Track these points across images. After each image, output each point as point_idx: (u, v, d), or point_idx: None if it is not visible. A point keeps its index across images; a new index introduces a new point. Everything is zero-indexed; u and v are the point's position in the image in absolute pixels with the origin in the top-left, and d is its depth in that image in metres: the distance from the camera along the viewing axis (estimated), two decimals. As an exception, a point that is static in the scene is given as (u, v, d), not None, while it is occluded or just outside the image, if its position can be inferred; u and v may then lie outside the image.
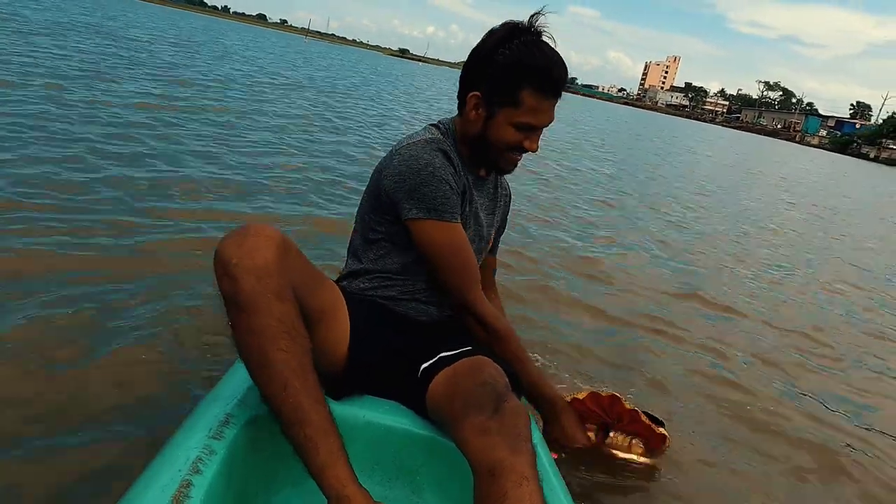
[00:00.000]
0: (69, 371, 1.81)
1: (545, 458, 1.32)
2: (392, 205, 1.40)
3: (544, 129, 1.48)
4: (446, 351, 1.36)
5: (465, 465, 1.11)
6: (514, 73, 1.37)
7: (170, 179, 3.95)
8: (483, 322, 1.49)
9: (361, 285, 1.48)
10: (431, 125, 1.52)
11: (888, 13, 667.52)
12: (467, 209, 1.51)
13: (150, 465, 1.04)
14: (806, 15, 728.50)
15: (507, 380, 1.29)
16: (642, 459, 1.69)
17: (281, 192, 4.29)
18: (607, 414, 1.68)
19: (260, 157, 5.25)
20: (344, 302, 1.35)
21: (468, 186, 1.49)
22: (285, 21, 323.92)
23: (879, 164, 56.49)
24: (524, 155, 1.50)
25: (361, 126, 8.87)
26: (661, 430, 1.67)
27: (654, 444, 1.69)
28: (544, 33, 1.41)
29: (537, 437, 1.41)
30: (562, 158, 9.94)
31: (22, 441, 1.51)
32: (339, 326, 1.33)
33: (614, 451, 1.67)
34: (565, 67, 1.40)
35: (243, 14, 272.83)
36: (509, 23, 1.41)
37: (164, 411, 1.68)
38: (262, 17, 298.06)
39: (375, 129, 8.92)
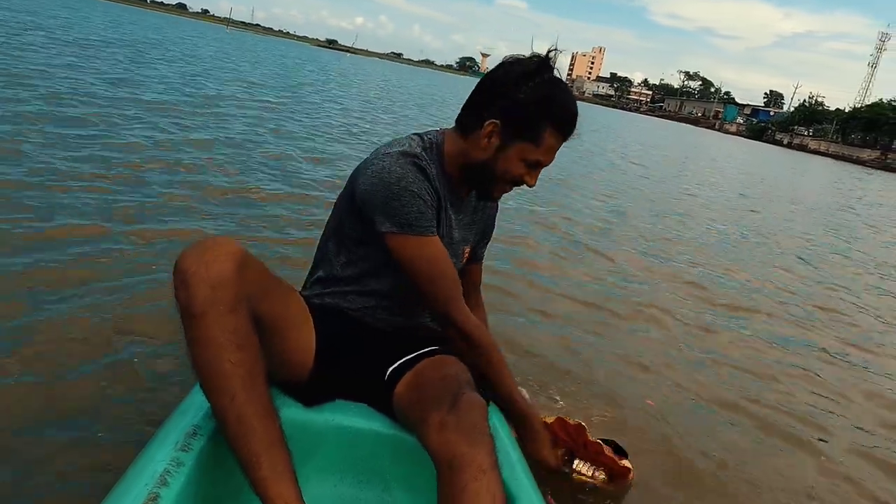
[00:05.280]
0: (31, 384, 1.75)
1: (509, 443, 1.36)
2: (366, 212, 1.38)
3: None
4: (411, 353, 1.39)
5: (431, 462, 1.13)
6: (541, 111, 1.36)
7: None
8: (463, 333, 1.44)
9: (328, 299, 1.47)
10: (415, 135, 1.48)
11: (793, 5, 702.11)
12: (442, 228, 1.48)
13: (119, 481, 1.03)
14: (721, 7, 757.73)
15: (469, 376, 1.32)
16: (605, 487, 1.70)
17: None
18: (573, 440, 1.69)
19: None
20: (308, 311, 1.36)
21: (444, 204, 1.47)
22: (207, 11, 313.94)
23: (792, 151, 59.51)
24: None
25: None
26: (625, 462, 1.69)
27: (618, 476, 1.70)
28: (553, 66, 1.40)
29: (505, 429, 1.43)
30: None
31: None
32: (304, 335, 1.33)
33: (577, 476, 1.67)
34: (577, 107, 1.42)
35: (161, 3, 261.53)
36: (534, 57, 1.39)
37: (133, 425, 1.65)
38: (181, 7, 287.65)
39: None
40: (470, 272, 1.74)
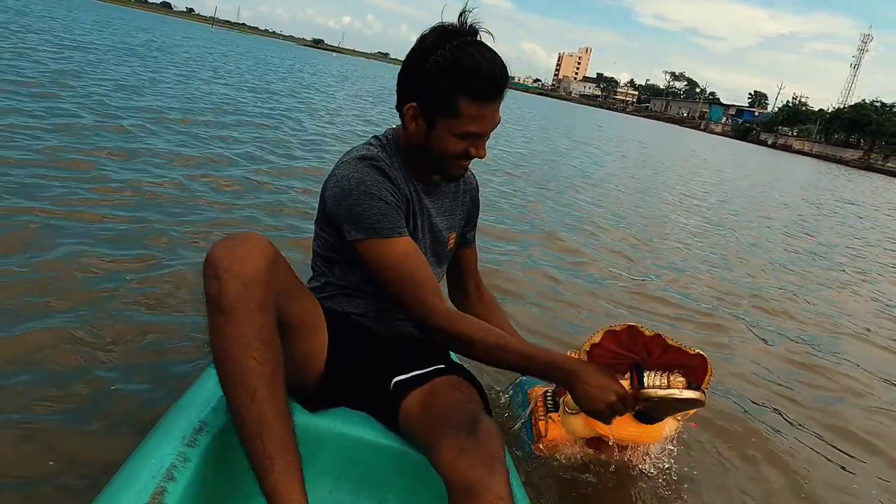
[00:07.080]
0: (34, 369, 1.77)
1: (512, 478, 1.31)
2: (337, 223, 1.38)
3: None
4: (420, 368, 1.37)
5: (432, 478, 1.12)
6: (447, 82, 1.28)
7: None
8: (438, 331, 1.35)
9: (330, 303, 1.46)
10: (374, 137, 1.46)
11: (778, 7, 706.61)
12: (418, 221, 1.47)
13: (121, 471, 1.02)
14: (706, 8, 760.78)
15: (480, 400, 1.32)
16: (689, 394, 1.36)
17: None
18: (632, 351, 1.48)
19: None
20: (323, 316, 1.35)
21: (416, 196, 1.46)
22: (192, 10, 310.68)
23: (777, 151, 59.74)
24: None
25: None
26: (697, 350, 1.45)
27: (696, 374, 1.44)
28: (480, 29, 1.31)
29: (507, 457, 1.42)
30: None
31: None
32: (318, 340, 1.33)
33: (654, 393, 1.37)
34: (501, 64, 1.31)
35: (146, 2, 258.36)
36: (439, 26, 1.31)
37: (132, 415, 1.65)
38: (166, 6, 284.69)
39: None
40: (463, 257, 1.73)
